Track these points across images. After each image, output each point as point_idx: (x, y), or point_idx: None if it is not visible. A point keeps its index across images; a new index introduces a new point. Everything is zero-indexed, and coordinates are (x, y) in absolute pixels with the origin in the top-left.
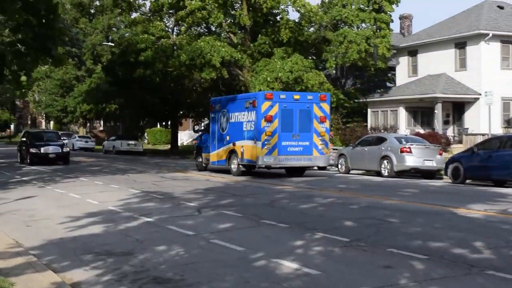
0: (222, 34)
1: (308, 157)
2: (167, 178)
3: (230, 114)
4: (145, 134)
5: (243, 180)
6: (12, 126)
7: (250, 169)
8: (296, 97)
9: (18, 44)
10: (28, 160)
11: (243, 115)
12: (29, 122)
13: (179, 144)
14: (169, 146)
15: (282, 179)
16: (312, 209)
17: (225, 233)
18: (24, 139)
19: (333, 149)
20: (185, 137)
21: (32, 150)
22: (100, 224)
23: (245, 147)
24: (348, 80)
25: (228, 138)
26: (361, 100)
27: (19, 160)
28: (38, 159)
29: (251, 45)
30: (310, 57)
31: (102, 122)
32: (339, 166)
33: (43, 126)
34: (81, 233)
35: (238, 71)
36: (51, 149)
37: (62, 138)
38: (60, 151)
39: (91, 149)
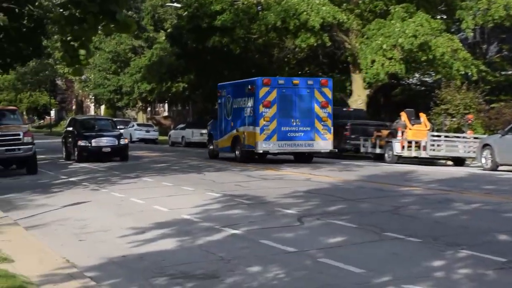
0: None
1: (309, 142)
2: (255, 178)
3: (233, 99)
4: None
5: (354, 179)
6: (52, 112)
7: (251, 155)
8: (296, 82)
9: (72, 7)
10: (76, 156)
11: (244, 100)
12: (73, 107)
13: None
14: None
15: (405, 177)
16: (452, 218)
17: (336, 249)
18: (70, 128)
19: (474, 137)
20: None
21: (81, 143)
22: (172, 237)
23: (246, 133)
24: (491, 46)
25: (232, 124)
26: (509, 72)
27: (64, 156)
28: (88, 154)
29: (360, 2)
30: (439, 17)
31: (166, 105)
32: (483, 160)
33: (92, 111)
34: (148, 249)
35: (343, 37)
36: (104, 142)
37: (118, 127)
38: (116, 143)
39: (153, 140)
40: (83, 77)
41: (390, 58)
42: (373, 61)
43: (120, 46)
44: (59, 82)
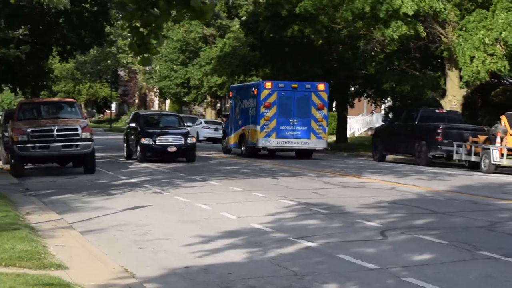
0: None
1: (305, 140)
2: (333, 185)
3: (241, 100)
4: None
5: (444, 190)
6: (113, 106)
7: (254, 151)
8: (294, 86)
9: None
10: (138, 155)
11: (249, 101)
12: (136, 100)
13: (348, 135)
14: (333, 138)
15: (503, 189)
16: None
17: (423, 268)
18: (133, 124)
19: None
20: (357, 124)
21: (144, 141)
22: (241, 248)
23: (250, 131)
24: None
25: (240, 123)
26: None
27: (125, 154)
28: (151, 154)
29: None
30: None
31: None
32: None
33: (156, 106)
34: (214, 260)
35: (439, 29)
36: (170, 140)
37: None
38: (183, 142)
39: (221, 139)
40: (147, 68)
41: (492, 54)
42: (472, 57)
43: (190, 35)
44: (121, 73)
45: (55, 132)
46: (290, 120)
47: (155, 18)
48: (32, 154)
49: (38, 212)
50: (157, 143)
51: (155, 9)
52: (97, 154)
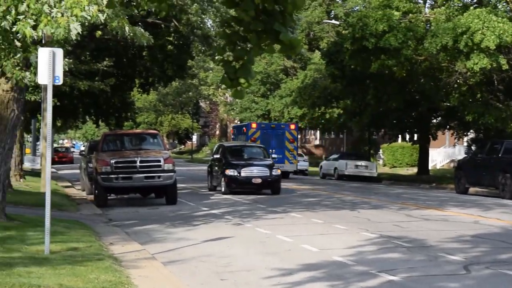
0: (500, 5)
1: (281, 165)
2: (415, 218)
3: (238, 136)
4: (380, 151)
5: None
6: (194, 137)
7: None
8: (273, 126)
9: (233, 24)
10: (223, 187)
11: (242, 137)
12: (217, 132)
13: (430, 167)
14: (415, 170)
15: None
16: None
17: None
18: (218, 156)
19: None
20: (439, 156)
21: (229, 173)
22: (322, 281)
23: None
24: None
25: None
26: None
27: (209, 186)
28: (236, 186)
29: None
30: None
31: (318, 133)
32: None
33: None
34: None
35: None
36: (255, 172)
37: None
38: (268, 174)
39: (303, 171)
40: (228, 99)
41: None
42: None
43: (271, 67)
44: (202, 104)
45: (138, 164)
46: (270, 150)
47: (246, 52)
48: (115, 185)
49: (121, 242)
50: (242, 174)
51: (247, 43)
52: (178, 185)
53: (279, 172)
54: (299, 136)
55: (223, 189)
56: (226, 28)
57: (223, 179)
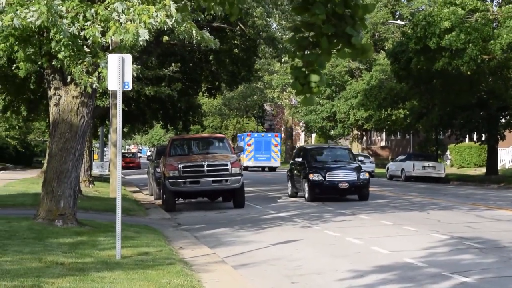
0: None
1: (268, 162)
2: (486, 218)
3: (240, 142)
4: (447, 152)
5: None
6: None
7: (244, 169)
8: (262, 135)
9: (303, 29)
10: (306, 193)
11: (242, 142)
12: (282, 135)
13: (498, 167)
14: (483, 170)
15: None
16: None
17: None
18: (299, 159)
19: None
20: (507, 156)
21: (313, 177)
22: (394, 283)
23: (242, 158)
24: None
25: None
26: None
27: (289, 193)
28: (321, 191)
29: None
30: None
31: (384, 134)
32: None
33: (302, 140)
34: None
35: None
36: (341, 176)
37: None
38: (356, 178)
39: (369, 172)
40: (293, 102)
41: None
42: None
43: (336, 68)
44: (267, 107)
45: (206, 168)
46: (261, 151)
47: (317, 57)
48: (183, 189)
49: (190, 246)
50: (327, 179)
51: (317, 48)
52: (245, 189)
53: (367, 176)
54: (365, 139)
55: (306, 195)
56: (295, 34)
57: (306, 184)
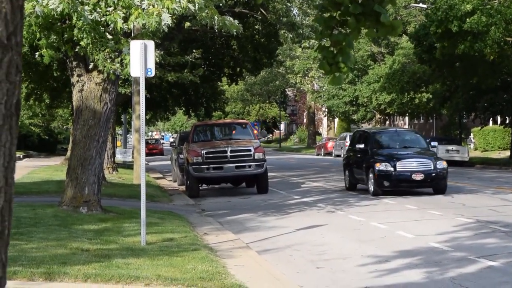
0: None
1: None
2: (511, 202)
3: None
4: (471, 135)
5: None
6: (282, 126)
7: None
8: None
9: (331, 9)
10: (371, 186)
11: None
12: (305, 120)
13: None
14: (507, 153)
15: None
16: None
17: None
18: (361, 146)
19: None
20: None
21: (380, 167)
22: (419, 268)
23: None
24: None
25: None
26: None
27: (347, 185)
28: (390, 184)
29: None
30: None
31: (407, 118)
32: None
33: (325, 125)
34: (393, 280)
35: None
36: (414, 165)
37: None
38: (432, 167)
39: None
40: (315, 87)
41: None
42: None
43: (358, 53)
44: (289, 93)
45: (229, 153)
46: None
47: (344, 36)
48: (206, 175)
49: (215, 232)
50: (397, 169)
51: (345, 27)
52: (268, 174)
53: (445, 164)
54: (388, 123)
55: (371, 188)
56: (323, 13)
57: (371, 175)
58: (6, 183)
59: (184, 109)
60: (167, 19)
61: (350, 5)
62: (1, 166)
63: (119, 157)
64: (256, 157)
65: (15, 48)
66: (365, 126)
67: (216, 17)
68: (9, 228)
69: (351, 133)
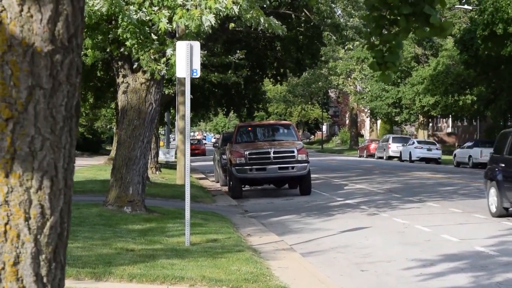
0: None
1: None
2: None
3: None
4: None
5: None
6: (324, 127)
7: None
8: None
9: (382, 9)
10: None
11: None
12: (347, 121)
13: None
14: None
15: None
16: None
17: None
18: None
19: None
20: None
21: None
22: (465, 272)
23: None
24: None
25: None
26: None
27: (492, 209)
28: None
29: None
30: None
31: (450, 120)
32: None
33: (367, 126)
34: (439, 284)
35: None
36: None
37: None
38: None
39: (435, 159)
40: (358, 88)
41: None
42: None
43: (402, 54)
44: (332, 94)
45: (272, 154)
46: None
47: (394, 36)
48: (249, 176)
49: (258, 233)
50: None
51: (394, 27)
52: (311, 175)
53: None
54: (431, 126)
55: None
56: (373, 12)
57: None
58: (65, 185)
59: (226, 109)
60: (210, 20)
61: (400, 5)
62: (61, 167)
63: (161, 157)
64: (299, 159)
65: (76, 50)
66: (407, 128)
67: (261, 18)
68: (68, 229)
69: (394, 135)
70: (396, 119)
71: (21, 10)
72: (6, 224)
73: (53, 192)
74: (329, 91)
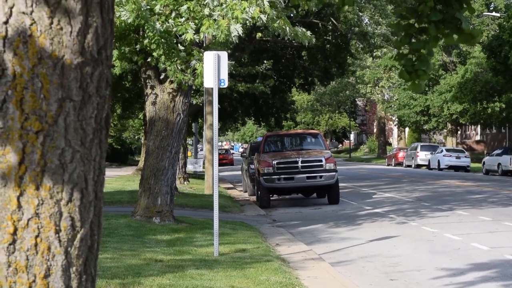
0: None
1: None
2: None
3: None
4: None
5: None
6: (351, 136)
7: None
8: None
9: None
10: None
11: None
12: (374, 129)
13: None
14: None
15: None
16: None
17: None
18: None
19: None
20: None
21: None
22: (495, 281)
23: None
24: None
25: None
26: None
27: None
28: None
29: None
30: None
31: (479, 128)
32: None
33: (395, 134)
34: None
35: None
36: None
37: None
38: None
39: (464, 167)
40: (385, 96)
41: None
42: None
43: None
44: (359, 103)
45: (300, 164)
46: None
47: (424, 44)
48: (277, 186)
49: (287, 243)
50: None
51: (423, 35)
52: (340, 184)
53: None
54: (460, 133)
55: None
56: (402, 21)
57: None
58: (95, 197)
59: (254, 119)
60: (238, 30)
61: (429, 12)
62: (91, 180)
63: (189, 167)
64: (327, 168)
65: (105, 62)
66: (436, 136)
67: (287, 28)
68: (98, 242)
69: (422, 143)
70: (424, 127)
71: (51, 23)
72: (36, 236)
73: (83, 205)
74: (356, 99)
